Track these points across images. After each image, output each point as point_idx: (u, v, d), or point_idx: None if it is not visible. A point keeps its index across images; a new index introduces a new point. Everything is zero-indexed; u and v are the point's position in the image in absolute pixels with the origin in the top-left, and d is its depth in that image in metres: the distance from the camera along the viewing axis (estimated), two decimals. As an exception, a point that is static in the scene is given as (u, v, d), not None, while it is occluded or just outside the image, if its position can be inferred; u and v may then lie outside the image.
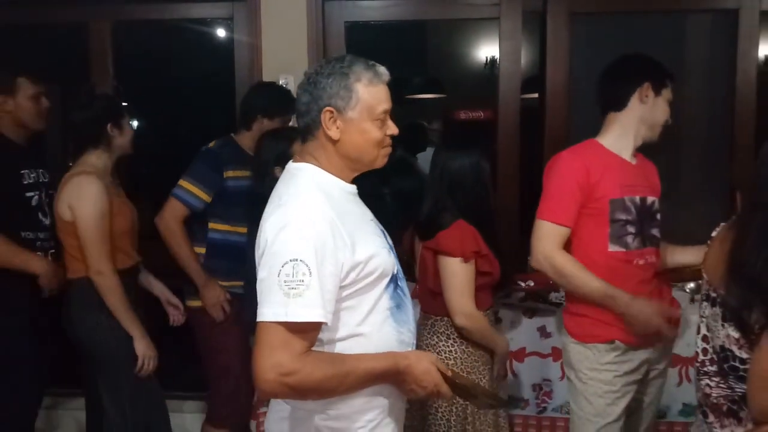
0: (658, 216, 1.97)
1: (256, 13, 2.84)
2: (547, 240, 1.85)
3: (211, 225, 2.37)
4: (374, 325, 1.33)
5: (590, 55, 3.02)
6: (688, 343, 2.26)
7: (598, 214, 1.85)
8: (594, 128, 2.03)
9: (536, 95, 2.99)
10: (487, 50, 5.11)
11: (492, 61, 5.16)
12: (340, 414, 1.32)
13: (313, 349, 1.26)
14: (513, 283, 2.31)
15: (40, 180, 2.29)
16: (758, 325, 1.26)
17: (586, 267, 1.84)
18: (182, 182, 2.33)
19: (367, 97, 1.32)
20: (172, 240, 2.31)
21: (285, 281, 1.19)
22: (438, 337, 1.98)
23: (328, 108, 1.31)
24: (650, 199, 1.94)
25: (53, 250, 2.26)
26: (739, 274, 1.30)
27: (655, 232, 1.95)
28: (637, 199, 1.90)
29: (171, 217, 2.31)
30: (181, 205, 2.32)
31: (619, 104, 1.91)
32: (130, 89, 3.35)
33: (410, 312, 1.43)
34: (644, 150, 3.05)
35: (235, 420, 2.44)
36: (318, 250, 1.21)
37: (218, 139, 2.45)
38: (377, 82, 1.35)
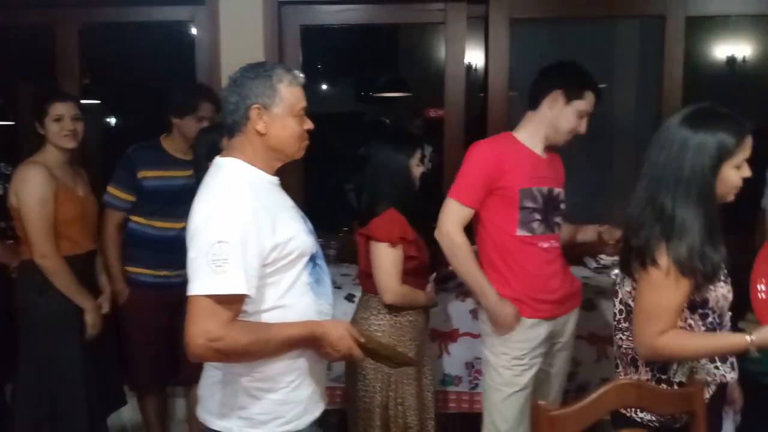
0: (563, 206, 2.17)
1: (215, 16, 2.99)
2: (452, 217, 2.04)
3: (130, 217, 2.58)
4: (295, 298, 1.52)
5: (533, 57, 3.24)
6: (605, 323, 2.48)
7: (508, 201, 2.04)
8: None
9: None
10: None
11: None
12: (264, 376, 1.50)
13: (240, 318, 1.44)
14: (445, 266, 2.50)
15: (2, 172, 2.47)
16: (637, 267, 1.50)
17: (496, 247, 2.07)
18: (108, 188, 2.58)
19: (288, 96, 1.52)
20: (104, 242, 2.56)
21: (212, 260, 1.37)
22: (370, 311, 2.20)
23: (255, 105, 1.49)
24: (556, 190, 2.13)
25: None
26: (629, 227, 1.55)
27: (558, 219, 2.16)
28: (545, 189, 2.09)
29: (108, 222, 2.57)
30: (111, 210, 2.57)
31: (534, 104, 2.10)
32: (99, 89, 3.49)
33: (328, 287, 1.63)
34: (580, 148, 3.28)
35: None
36: (242, 233, 1.39)
37: (140, 142, 2.64)
38: (296, 83, 1.55)
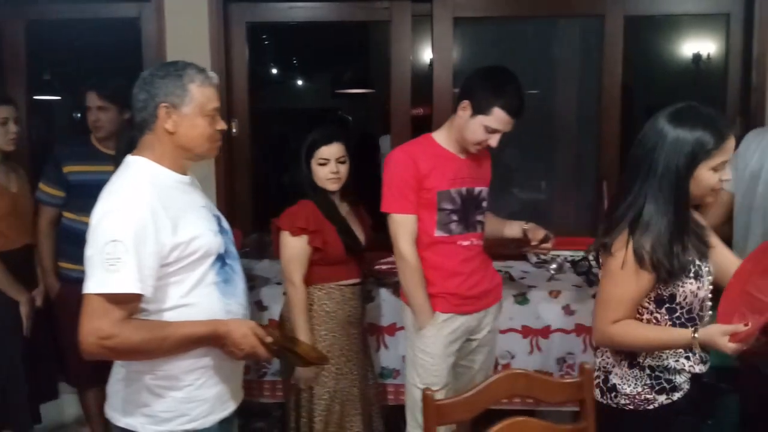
0: (484, 204, 2.19)
1: (161, 13, 3.01)
2: (402, 234, 2.05)
3: (63, 213, 2.62)
4: (200, 297, 1.54)
5: (478, 55, 3.30)
6: (537, 316, 2.54)
7: (427, 203, 2.06)
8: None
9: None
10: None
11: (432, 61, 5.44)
12: (167, 374, 1.53)
13: (142, 317, 1.47)
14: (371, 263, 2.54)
15: None
16: (603, 255, 1.55)
17: (420, 246, 2.07)
18: (39, 185, 2.62)
19: (199, 95, 1.55)
20: (37, 238, 2.61)
21: (106, 259, 1.40)
22: (287, 306, 2.25)
23: (164, 104, 1.52)
24: (477, 189, 2.15)
25: None
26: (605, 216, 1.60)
27: (480, 218, 2.18)
28: (464, 190, 2.10)
29: (41, 218, 2.61)
30: (43, 206, 2.61)
31: (454, 107, 2.09)
32: (45, 85, 3.49)
33: (240, 286, 1.65)
34: (522, 146, 3.32)
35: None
36: (138, 232, 1.42)
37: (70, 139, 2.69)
38: (208, 84, 1.57)
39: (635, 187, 1.50)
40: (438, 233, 2.09)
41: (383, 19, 3.12)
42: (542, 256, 2.91)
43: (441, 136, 2.14)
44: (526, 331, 2.55)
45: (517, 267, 2.89)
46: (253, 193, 3.24)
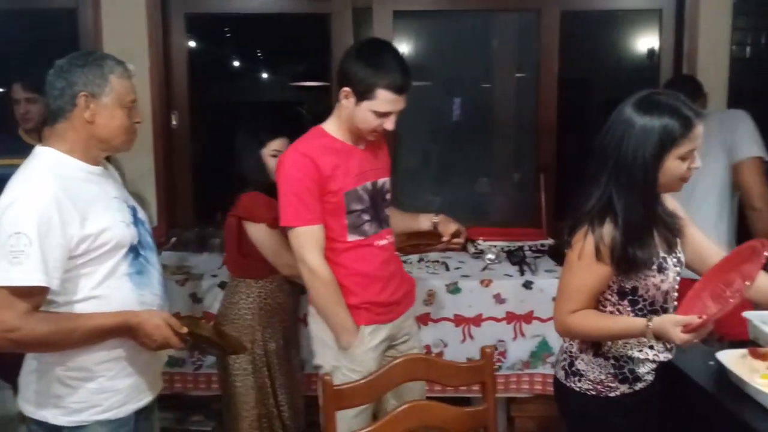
0: (388, 196, 2.00)
1: (97, 4, 2.98)
2: (308, 245, 1.79)
3: None
4: (112, 289, 1.54)
5: (419, 48, 3.33)
6: (469, 305, 2.60)
7: (335, 207, 1.84)
8: (421, 117, 2.12)
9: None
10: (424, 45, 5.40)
11: (412, 54, 5.50)
12: (78, 366, 1.53)
13: (51, 309, 1.47)
14: None
15: None
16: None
17: (329, 257, 1.83)
18: None
19: (118, 87, 1.55)
20: None
21: (9, 251, 1.39)
22: (239, 296, 2.27)
23: (83, 93, 1.52)
24: (381, 181, 1.95)
25: None
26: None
27: (387, 211, 1.99)
28: (369, 185, 1.90)
29: None
30: None
31: (338, 96, 1.86)
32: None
33: (155, 277, 1.65)
34: (460, 140, 3.35)
35: None
36: (41, 224, 1.41)
37: None
38: (126, 76, 1.58)
39: (602, 178, 1.46)
40: (351, 237, 1.87)
41: (324, 11, 3.14)
42: (479, 246, 2.97)
43: (333, 127, 1.89)
44: (458, 320, 2.60)
45: (455, 257, 2.94)
46: (197, 187, 3.23)
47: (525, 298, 2.59)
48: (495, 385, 1.53)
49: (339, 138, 1.88)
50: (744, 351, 1.53)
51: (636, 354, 1.55)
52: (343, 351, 1.84)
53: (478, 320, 2.60)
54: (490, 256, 2.90)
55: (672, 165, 1.43)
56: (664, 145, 1.41)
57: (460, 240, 2.08)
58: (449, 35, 3.30)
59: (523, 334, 2.60)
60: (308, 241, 1.80)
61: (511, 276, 2.67)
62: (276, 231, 2.12)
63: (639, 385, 1.56)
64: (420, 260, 2.87)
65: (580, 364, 1.59)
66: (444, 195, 3.39)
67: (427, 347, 2.59)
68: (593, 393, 1.56)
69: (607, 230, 1.45)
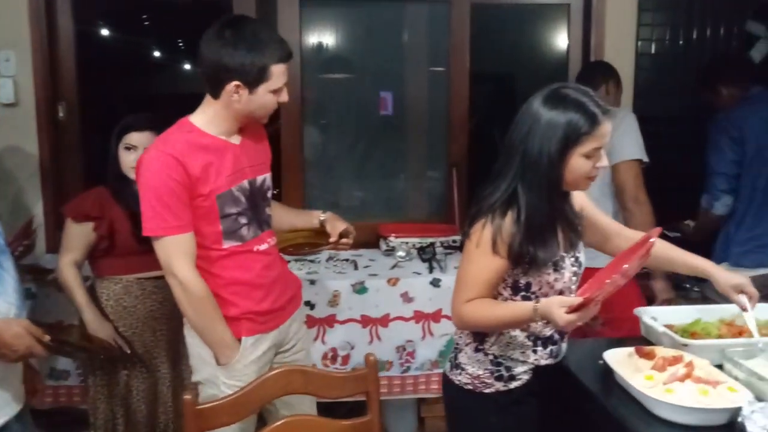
0: (269, 193, 1.84)
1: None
2: (176, 254, 1.61)
3: None
4: None
5: (328, 39, 3.21)
6: (376, 305, 2.52)
7: (206, 211, 1.66)
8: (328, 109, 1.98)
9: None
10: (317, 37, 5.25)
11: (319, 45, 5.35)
12: None
13: None
14: None
15: None
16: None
17: (205, 267, 1.67)
18: None
19: None
20: None
21: None
22: (100, 296, 2.12)
23: None
24: (260, 178, 1.78)
25: None
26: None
27: (269, 211, 1.83)
28: (246, 183, 1.72)
29: None
30: None
31: (213, 93, 1.67)
32: None
33: (9, 283, 1.50)
34: (370, 135, 3.26)
35: None
36: None
37: None
38: None
39: (509, 173, 1.43)
40: (227, 244, 1.70)
41: (225, -2, 2.97)
42: (390, 243, 2.89)
43: (203, 121, 1.69)
44: (365, 321, 2.51)
45: (366, 255, 2.85)
46: (92, 185, 2.99)
47: (433, 296, 2.53)
48: (379, 393, 1.45)
49: (209, 132, 1.68)
50: (631, 349, 1.50)
51: (518, 356, 1.54)
52: (222, 366, 1.68)
53: (385, 320, 2.52)
54: (401, 253, 2.83)
55: (577, 163, 1.40)
56: (569, 142, 1.38)
57: (349, 240, 1.94)
58: (360, 27, 3.19)
59: (431, 334, 2.54)
60: (176, 251, 1.61)
61: (419, 274, 2.61)
62: (80, 227, 2.06)
63: (514, 384, 1.54)
64: (329, 259, 2.77)
65: (462, 358, 1.58)
66: (360, 191, 3.29)
67: (334, 350, 2.50)
68: (470, 387, 1.55)
69: (507, 224, 1.42)
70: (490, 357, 1.54)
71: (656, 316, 1.72)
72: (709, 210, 2.56)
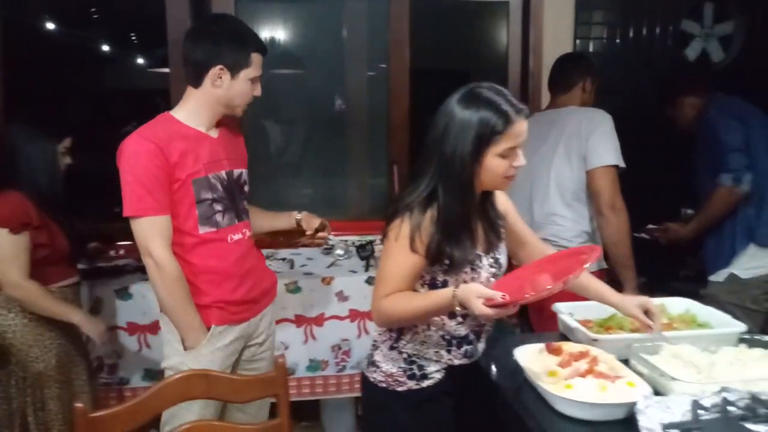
0: (246, 188, 1.93)
1: None
2: (153, 235, 1.68)
3: None
4: None
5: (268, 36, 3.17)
6: (311, 304, 2.49)
7: (183, 196, 1.74)
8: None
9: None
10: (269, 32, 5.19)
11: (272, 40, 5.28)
12: None
13: None
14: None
15: None
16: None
17: (179, 252, 1.74)
18: None
19: None
20: None
21: None
22: (1, 309, 2.01)
23: None
24: (237, 171, 1.88)
25: None
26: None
27: (246, 204, 1.92)
28: (224, 174, 1.81)
29: None
30: None
31: (195, 82, 1.78)
32: None
33: None
34: (310, 130, 3.22)
35: None
36: None
37: None
38: None
39: (429, 172, 1.42)
40: (203, 229, 1.76)
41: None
42: (329, 241, 2.86)
43: (183, 114, 1.79)
44: (299, 320, 2.48)
45: (304, 254, 2.82)
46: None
47: (368, 295, 2.45)
48: (288, 397, 1.42)
49: (190, 125, 1.78)
50: (542, 345, 1.51)
51: (431, 355, 1.54)
52: (188, 351, 1.74)
53: (320, 320, 2.50)
54: (339, 251, 2.81)
55: (492, 162, 1.39)
56: (482, 141, 1.37)
57: (325, 234, 2.07)
58: (299, 24, 3.15)
59: (367, 332, 2.53)
60: (153, 232, 1.68)
61: (355, 272, 2.59)
62: (17, 238, 1.94)
63: (426, 383, 1.54)
64: (267, 257, 2.72)
65: (377, 355, 1.58)
66: (294, 189, 3.26)
67: (268, 350, 2.47)
68: (384, 385, 1.55)
69: (427, 223, 1.41)
70: (404, 355, 1.54)
71: (573, 312, 1.73)
72: (736, 187, 2.44)
